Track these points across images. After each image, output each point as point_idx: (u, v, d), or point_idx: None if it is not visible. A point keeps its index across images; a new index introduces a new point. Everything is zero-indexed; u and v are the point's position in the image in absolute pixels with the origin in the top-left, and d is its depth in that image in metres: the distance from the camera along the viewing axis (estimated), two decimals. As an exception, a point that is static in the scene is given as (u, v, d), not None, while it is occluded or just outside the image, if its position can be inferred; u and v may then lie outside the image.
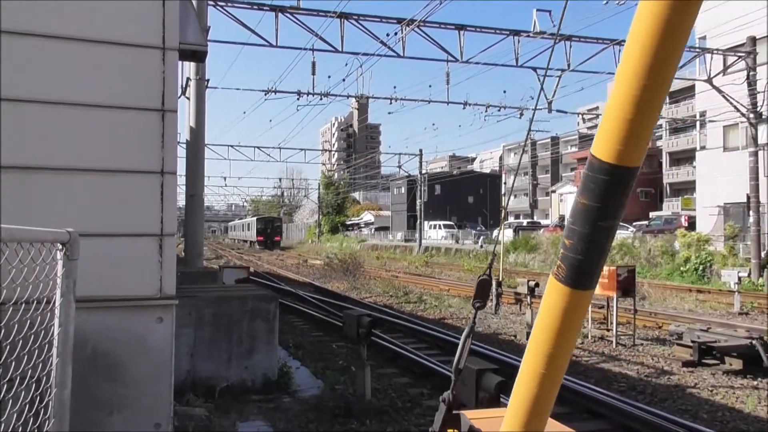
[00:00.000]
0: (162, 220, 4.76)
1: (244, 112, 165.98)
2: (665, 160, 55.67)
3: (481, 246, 37.68)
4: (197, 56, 6.13)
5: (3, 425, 2.45)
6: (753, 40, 22.46)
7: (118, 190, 4.71)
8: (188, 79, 12.91)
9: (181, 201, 20.62)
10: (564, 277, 1.60)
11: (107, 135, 4.71)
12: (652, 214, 47.25)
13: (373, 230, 69.48)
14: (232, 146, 42.48)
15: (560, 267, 1.61)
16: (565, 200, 35.50)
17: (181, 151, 16.84)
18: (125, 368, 4.67)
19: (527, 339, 11.44)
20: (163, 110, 4.81)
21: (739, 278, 15.34)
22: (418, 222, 46.21)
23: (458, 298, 18.02)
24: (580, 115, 56.23)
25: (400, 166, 51.27)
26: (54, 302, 2.52)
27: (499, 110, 25.89)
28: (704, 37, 32.04)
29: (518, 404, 1.70)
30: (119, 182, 4.72)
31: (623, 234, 32.67)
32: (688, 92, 46.08)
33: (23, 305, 2.52)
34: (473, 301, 2.03)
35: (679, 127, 50.04)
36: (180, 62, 6.25)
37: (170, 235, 4.81)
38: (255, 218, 72.72)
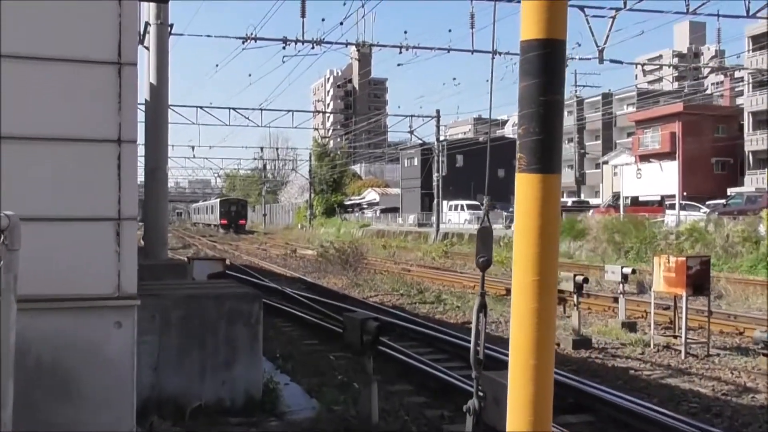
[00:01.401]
0: (119, 201, 4.80)
1: (217, 65, 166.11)
2: (747, 122, 55.15)
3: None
4: (159, -5, 6.15)
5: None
6: None
7: (64, 163, 4.76)
8: (147, 24, 12.92)
9: (140, 177, 20.67)
10: (527, 165, 2.08)
11: (49, 94, 4.74)
12: (730, 191, 47.11)
13: (378, 212, 69.74)
14: (201, 108, 42.72)
15: (521, 158, 2.08)
16: (620, 173, 35.41)
17: (140, 115, 16.86)
18: (77, 384, 4.75)
19: (574, 348, 11.59)
20: (120, 63, 4.83)
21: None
22: (435, 202, 46.35)
23: (486, 296, 18.09)
24: (639, 67, 55.80)
25: (411, 132, 51.33)
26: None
27: (537, 60, 25.70)
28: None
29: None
30: (66, 153, 4.77)
31: (694, 216, 32.63)
32: (778, 36, 45.60)
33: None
34: (477, 257, 2.14)
35: (765, 81, 49.51)
36: (138, 1, 6.27)
37: (130, 219, 4.86)
38: (218, 200, 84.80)
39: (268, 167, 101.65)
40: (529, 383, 1.99)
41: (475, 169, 66.18)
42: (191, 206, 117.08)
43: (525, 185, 2.11)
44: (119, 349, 4.82)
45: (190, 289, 8.08)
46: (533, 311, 2.00)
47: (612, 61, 25.09)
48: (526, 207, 2.10)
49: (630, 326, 13.44)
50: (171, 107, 17.46)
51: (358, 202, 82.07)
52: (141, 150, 11.36)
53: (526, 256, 2.05)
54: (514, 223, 2.13)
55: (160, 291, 7.52)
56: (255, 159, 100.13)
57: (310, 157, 79.19)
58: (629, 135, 69.40)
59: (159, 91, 12.34)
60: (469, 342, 9.09)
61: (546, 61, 2.03)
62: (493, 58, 3.81)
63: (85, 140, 4.80)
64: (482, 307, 2.10)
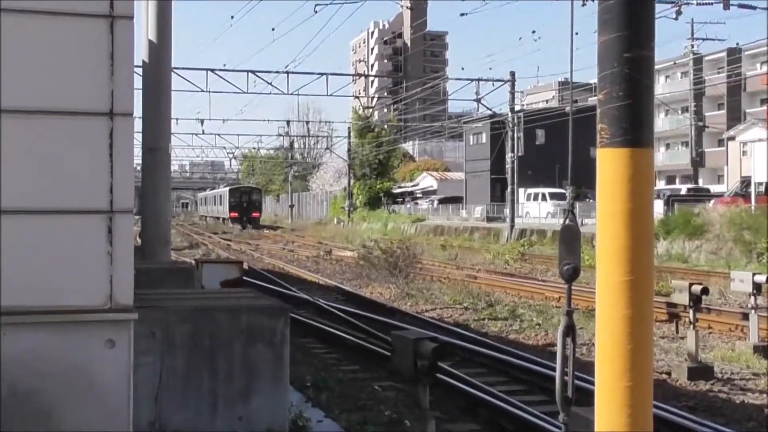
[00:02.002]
0: (112, 189, 4.86)
1: (232, 18, 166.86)
2: None
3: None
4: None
5: None
6: None
7: (41, 142, 4.83)
8: (145, -34, 13.03)
9: (137, 158, 20.95)
10: (610, 137, 2.07)
11: (23, 56, 4.79)
12: None
13: (435, 203, 69.40)
14: (212, 71, 43.03)
15: (602, 130, 2.07)
16: (751, 152, 34.63)
17: (137, 81, 17.01)
18: (59, 416, 4.80)
19: (690, 378, 11.40)
20: (113, 16, 4.87)
21: None
22: (509, 190, 46.03)
23: (575, 311, 17.91)
24: (778, 13, 54.29)
25: (478, 101, 50.91)
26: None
27: (641, 6, 25.33)
28: None
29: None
30: (44, 130, 4.84)
31: None
32: None
33: None
34: (560, 265, 2.11)
35: None
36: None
37: (125, 211, 4.91)
38: (228, 188, 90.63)
39: (295, 146, 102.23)
40: (621, 410, 1.97)
41: (561, 147, 65.39)
42: (198, 196, 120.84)
43: (608, 162, 2.10)
44: (111, 373, 4.86)
45: (198, 299, 8.14)
46: (623, 319, 1.99)
47: (741, 6, 24.58)
48: (611, 189, 2.09)
49: (765, 351, 13.19)
50: (175, 71, 17.72)
51: (409, 189, 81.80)
52: (138, 125, 11.50)
53: (612, 250, 2.05)
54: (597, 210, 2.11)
55: (162, 302, 7.51)
56: (279, 136, 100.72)
57: (349, 133, 79.05)
58: (763, 103, 67.99)
59: (160, 50, 12.44)
60: (553, 370, 8.94)
61: (631, 9, 2.02)
62: (573, 1, 3.82)
63: (69, 113, 4.85)
64: (569, 329, 2.06)
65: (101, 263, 4.88)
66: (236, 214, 79.75)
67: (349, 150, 78.23)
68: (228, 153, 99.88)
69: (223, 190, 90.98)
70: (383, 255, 26.76)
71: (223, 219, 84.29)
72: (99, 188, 4.87)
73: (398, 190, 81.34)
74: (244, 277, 14.13)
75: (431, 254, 34.80)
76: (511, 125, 45.96)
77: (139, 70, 13.61)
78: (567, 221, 2.22)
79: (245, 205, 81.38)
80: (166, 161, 12.63)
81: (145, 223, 12.99)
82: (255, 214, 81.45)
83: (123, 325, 4.93)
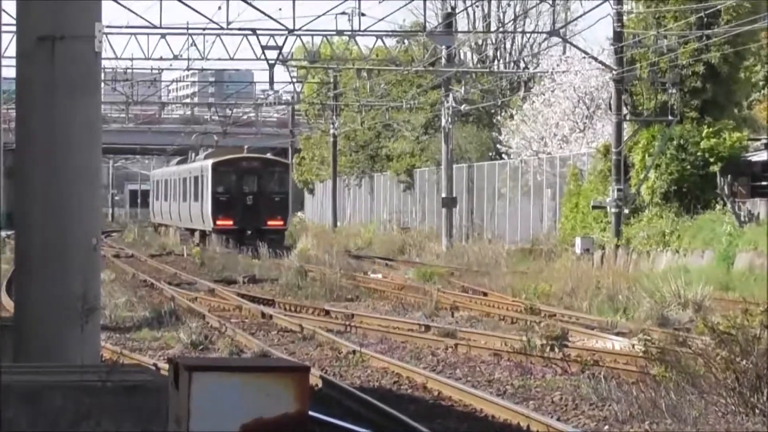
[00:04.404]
0: None
1: None
2: None
3: None
4: None
5: None
6: None
7: None
8: None
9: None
10: None
11: None
12: None
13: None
14: None
15: None
16: None
17: None
18: None
19: None
20: None
21: None
22: None
23: None
24: None
25: None
26: None
27: None
28: None
29: None
30: None
31: None
32: None
33: None
34: None
35: None
36: None
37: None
38: (209, 161, 47.34)
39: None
40: None
41: None
42: (153, 175, 68.83)
43: None
44: None
45: None
46: None
47: None
48: None
49: None
50: None
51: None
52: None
53: None
54: None
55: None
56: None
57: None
58: None
59: None
60: None
61: None
62: None
63: None
64: None
65: None
66: (230, 222, 43.67)
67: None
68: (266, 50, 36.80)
69: (199, 165, 49.07)
70: (722, 351, 11.64)
71: (203, 234, 46.38)
72: None
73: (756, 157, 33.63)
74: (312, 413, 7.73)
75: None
76: None
77: None
78: None
79: (250, 201, 44.24)
80: (87, 74, 7.32)
81: (24, 242, 7.43)
82: (276, 222, 44.32)
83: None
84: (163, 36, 37.76)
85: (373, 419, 10.78)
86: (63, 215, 7.56)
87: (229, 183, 45.41)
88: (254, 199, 44.57)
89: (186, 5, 33.26)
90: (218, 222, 44.14)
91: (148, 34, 37.97)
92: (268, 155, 51.50)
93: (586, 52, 39.86)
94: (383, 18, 68.37)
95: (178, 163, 58.56)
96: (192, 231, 49.47)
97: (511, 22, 52.37)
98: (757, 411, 10.79)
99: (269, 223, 44.02)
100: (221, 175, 45.60)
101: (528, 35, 55.16)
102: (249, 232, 42.86)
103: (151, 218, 66.14)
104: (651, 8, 33.38)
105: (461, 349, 16.85)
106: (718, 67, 32.91)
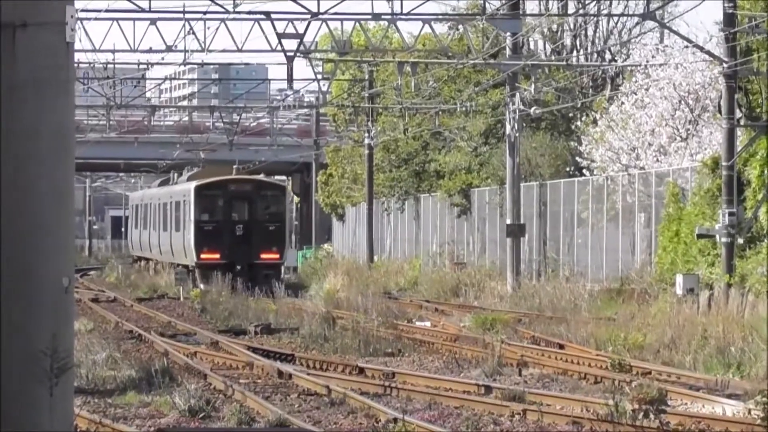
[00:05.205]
0: None
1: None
2: None
3: None
4: None
5: None
6: None
7: None
8: None
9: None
10: None
11: None
12: None
13: None
14: None
15: None
16: None
17: None
18: None
19: None
20: None
21: None
22: None
23: None
24: None
25: None
26: None
27: None
28: None
29: None
30: None
31: None
32: None
33: None
34: None
35: None
36: None
37: None
38: (193, 185, 47.21)
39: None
40: None
41: None
42: (131, 199, 69.68)
43: None
44: None
45: None
46: None
47: None
48: None
49: None
50: None
51: None
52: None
53: None
54: None
55: None
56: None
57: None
58: None
59: None
60: None
61: None
62: None
63: None
64: None
65: None
66: (216, 256, 44.66)
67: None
68: (283, 39, 37.41)
69: (181, 188, 50.72)
70: None
71: (188, 269, 47.29)
72: None
73: None
74: None
75: None
76: None
77: None
78: None
79: (239, 233, 45.38)
80: (56, 70, 7.21)
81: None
82: (270, 255, 45.27)
83: None
84: (153, 22, 36.17)
85: None
86: (25, 249, 7.15)
87: (215, 209, 46.86)
88: (245, 229, 46.02)
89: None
90: (202, 255, 45.10)
91: (134, 19, 36.73)
92: (261, 176, 52.50)
93: (689, 40, 38.14)
94: (431, -2, 67.77)
95: (160, 185, 59.80)
96: (175, 265, 50.30)
97: (595, 2, 51.05)
98: None
99: (262, 256, 45.20)
100: (206, 199, 46.91)
101: (616, 19, 54.85)
102: (239, 267, 43.93)
103: (129, 250, 66.09)
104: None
105: (531, 417, 16.90)
106: None
